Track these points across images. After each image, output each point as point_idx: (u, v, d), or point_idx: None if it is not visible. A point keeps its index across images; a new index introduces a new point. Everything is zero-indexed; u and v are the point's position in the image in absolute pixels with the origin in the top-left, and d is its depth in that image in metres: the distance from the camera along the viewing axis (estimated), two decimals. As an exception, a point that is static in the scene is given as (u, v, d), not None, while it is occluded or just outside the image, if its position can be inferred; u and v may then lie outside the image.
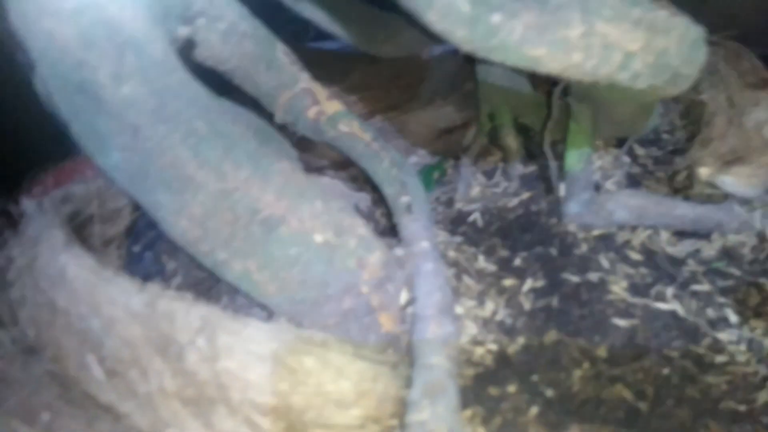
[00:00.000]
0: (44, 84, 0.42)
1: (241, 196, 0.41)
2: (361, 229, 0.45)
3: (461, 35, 0.34)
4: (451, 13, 0.34)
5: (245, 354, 0.38)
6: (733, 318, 0.45)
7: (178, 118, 0.41)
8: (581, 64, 0.35)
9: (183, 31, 0.48)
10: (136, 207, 0.42)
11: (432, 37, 0.38)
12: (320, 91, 0.55)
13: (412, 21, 0.37)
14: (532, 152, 0.61)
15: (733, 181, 0.50)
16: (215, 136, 0.41)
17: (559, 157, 0.56)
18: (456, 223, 0.56)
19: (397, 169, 0.53)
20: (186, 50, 0.49)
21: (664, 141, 0.62)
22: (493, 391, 0.41)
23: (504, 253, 0.52)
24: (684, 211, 0.50)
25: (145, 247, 0.53)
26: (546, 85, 0.60)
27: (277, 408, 0.37)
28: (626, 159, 0.59)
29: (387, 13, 0.58)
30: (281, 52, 0.54)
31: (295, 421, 0.37)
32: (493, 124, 0.63)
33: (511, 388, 0.41)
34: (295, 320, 0.44)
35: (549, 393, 0.41)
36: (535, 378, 0.42)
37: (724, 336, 0.44)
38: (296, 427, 0.37)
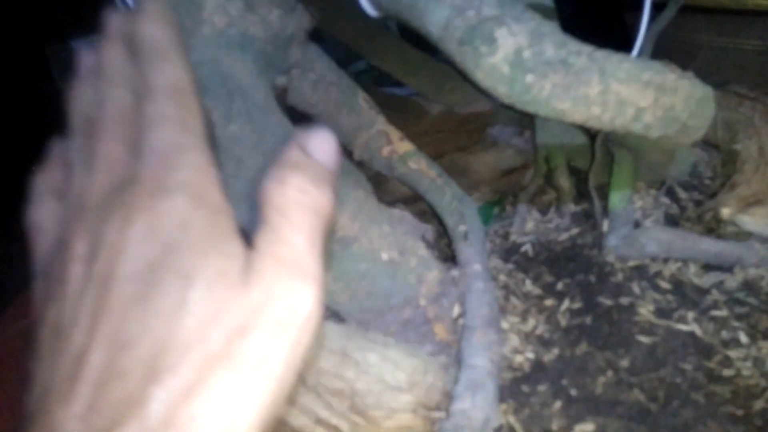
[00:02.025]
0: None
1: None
2: (422, 250, 0.54)
3: (502, 91, 0.43)
4: (494, 74, 0.43)
5: (321, 348, 0.47)
6: (744, 339, 0.51)
7: (273, 151, 0.50)
8: (600, 117, 0.43)
9: (280, 81, 0.57)
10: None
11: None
12: (394, 132, 0.64)
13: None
14: (583, 193, 0.68)
15: (751, 220, 0.56)
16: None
17: (605, 197, 0.64)
18: (510, 252, 0.64)
19: (457, 202, 0.61)
20: (282, 95, 0.59)
21: (705, 185, 0.68)
22: (525, 389, 0.48)
23: (549, 278, 0.59)
24: (708, 246, 0.56)
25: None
26: (594, 132, 0.67)
27: (343, 391, 0.46)
28: (665, 200, 0.65)
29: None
30: (361, 99, 0.64)
31: (359, 402, 0.46)
32: (549, 166, 0.70)
33: (541, 388, 0.48)
34: (363, 325, 0.52)
35: (573, 393, 0.48)
36: (563, 382, 0.49)
37: (734, 354, 0.50)
38: (358, 407, 0.45)
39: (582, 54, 0.43)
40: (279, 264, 0.25)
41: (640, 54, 0.60)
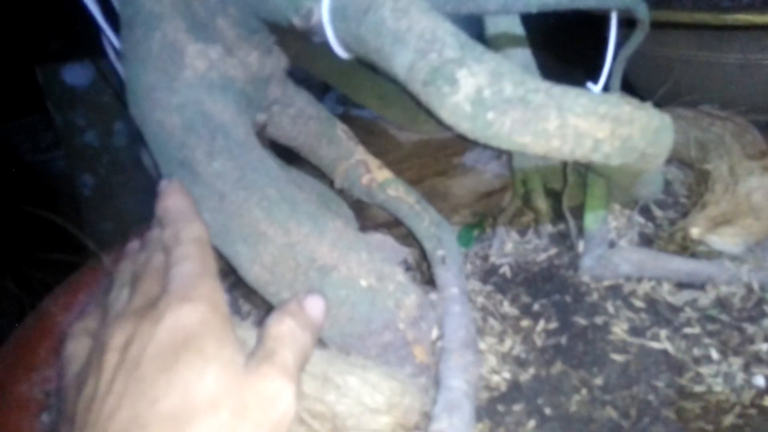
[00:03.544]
0: (154, 160, 0.54)
1: (302, 247, 0.51)
2: (400, 276, 0.55)
3: (466, 127, 0.45)
4: (457, 112, 0.45)
5: (302, 373, 0.49)
6: (715, 355, 0.52)
7: (254, 186, 0.52)
8: (560, 149, 0.45)
9: (261, 118, 0.59)
10: (219, 257, 0.52)
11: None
12: (372, 161, 0.66)
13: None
14: (560, 214, 0.70)
15: (720, 240, 0.58)
16: (283, 200, 0.52)
17: (581, 218, 0.65)
18: (488, 274, 0.65)
19: (435, 227, 0.63)
20: (262, 131, 0.61)
21: (680, 204, 0.70)
22: (501, 408, 0.50)
23: (526, 299, 0.61)
24: (679, 265, 0.58)
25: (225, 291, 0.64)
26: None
27: (324, 414, 0.47)
28: (640, 220, 0.67)
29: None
30: (340, 130, 0.66)
31: (339, 424, 0.47)
32: (526, 189, 0.72)
33: (517, 408, 0.50)
34: (344, 350, 0.53)
35: (548, 411, 0.49)
36: (538, 401, 0.50)
37: (705, 370, 0.51)
38: (339, 429, 0.47)
39: (540, 91, 0.45)
40: (272, 367, 0.34)
41: (609, 77, 0.62)
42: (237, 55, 0.55)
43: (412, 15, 0.50)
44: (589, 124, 0.44)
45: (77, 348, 0.38)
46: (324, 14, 0.52)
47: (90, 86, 1.30)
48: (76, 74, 1.30)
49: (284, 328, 0.36)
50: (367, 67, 0.55)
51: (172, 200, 0.42)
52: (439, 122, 0.50)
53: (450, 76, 0.46)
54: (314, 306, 0.40)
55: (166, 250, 0.38)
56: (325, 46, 0.53)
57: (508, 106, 0.44)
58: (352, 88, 0.68)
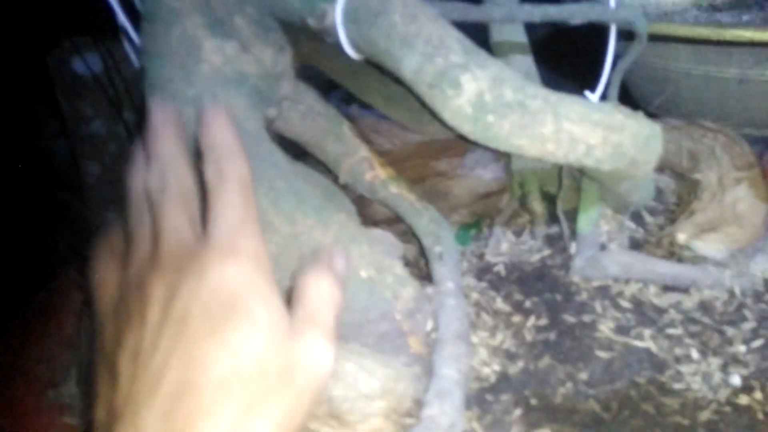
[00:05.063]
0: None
1: (306, 238, 0.54)
2: (399, 269, 0.58)
3: (466, 129, 0.48)
4: (459, 114, 0.48)
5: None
6: (695, 355, 0.55)
7: (263, 177, 0.55)
8: (554, 152, 0.48)
9: (271, 113, 0.62)
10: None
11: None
12: (376, 159, 0.69)
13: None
14: (555, 216, 0.72)
15: (704, 245, 0.61)
16: (290, 192, 0.55)
17: (575, 221, 0.68)
18: (483, 271, 0.68)
19: (434, 224, 0.66)
20: (271, 125, 0.63)
21: (670, 211, 0.72)
22: (489, 398, 0.52)
23: (518, 297, 0.63)
24: (665, 269, 0.60)
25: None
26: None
27: (320, 397, 0.50)
28: (631, 225, 0.69)
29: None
30: (346, 128, 0.69)
31: (335, 408, 0.50)
32: (522, 191, 0.74)
33: (504, 397, 0.52)
34: (342, 338, 0.56)
35: (534, 402, 0.52)
36: (525, 392, 0.53)
37: (685, 369, 0.54)
38: (335, 412, 0.49)
39: (538, 97, 0.48)
40: (316, 330, 0.34)
41: (607, 87, 0.65)
42: (252, 52, 0.58)
43: (421, 21, 0.53)
44: (582, 130, 0.47)
45: (107, 274, 0.36)
46: (337, 16, 0.54)
47: (99, 76, 1.32)
48: (86, 64, 1.32)
49: (323, 290, 0.36)
50: (375, 68, 0.57)
51: (217, 130, 0.38)
52: (442, 123, 0.53)
53: (454, 79, 0.49)
54: (341, 263, 0.39)
55: (209, 187, 0.35)
56: (337, 46, 0.55)
57: (507, 110, 0.47)
58: (360, 88, 0.71)
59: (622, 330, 0.58)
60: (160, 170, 0.36)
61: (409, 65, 0.50)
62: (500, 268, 0.68)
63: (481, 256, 0.70)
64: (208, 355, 0.30)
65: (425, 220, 0.66)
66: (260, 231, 0.34)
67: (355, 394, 0.50)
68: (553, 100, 0.48)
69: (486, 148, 0.52)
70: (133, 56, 0.68)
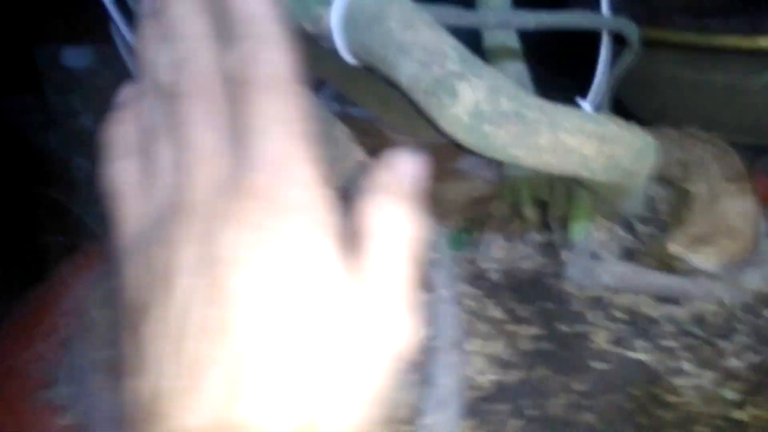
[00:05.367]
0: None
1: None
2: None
3: (462, 138, 0.48)
4: (455, 123, 0.47)
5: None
6: (689, 368, 0.55)
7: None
8: (550, 162, 0.48)
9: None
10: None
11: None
12: (369, 162, 0.68)
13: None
14: (547, 223, 0.72)
15: (695, 258, 0.61)
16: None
17: (566, 228, 0.68)
18: (477, 278, 0.68)
19: (427, 230, 0.65)
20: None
21: (662, 221, 0.72)
22: (485, 407, 0.52)
23: (512, 304, 0.63)
24: (657, 280, 0.61)
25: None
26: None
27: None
28: (623, 234, 0.69)
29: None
30: (339, 130, 0.68)
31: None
32: (515, 197, 0.74)
33: (501, 407, 0.52)
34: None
35: (530, 413, 0.52)
36: (521, 402, 0.53)
37: (678, 381, 0.54)
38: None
39: (534, 107, 0.48)
40: (395, 299, 0.26)
41: (597, 94, 0.64)
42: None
43: (418, 28, 0.52)
44: (577, 140, 0.47)
45: (126, 178, 0.27)
46: (333, 22, 0.54)
47: (88, 70, 1.31)
48: (76, 57, 1.31)
49: (398, 225, 0.27)
50: (370, 72, 0.57)
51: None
52: (438, 131, 0.53)
53: (450, 88, 0.49)
54: (413, 172, 0.29)
55: (224, 67, 0.26)
56: (332, 50, 0.55)
57: (503, 120, 0.47)
58: (356, 91, 0.71)
59: (615, 341, 0.58)
60: (180, 56, 0.26)
61: (405, 72, 0.50)
62: (493, 275, 0.68)
63: (473, 263, 0.70)
64: (252, 355, 0.23)
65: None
66: (311, 161, 0.25)
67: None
68: (549, 110, 0.48)
69: (481, 156, 0.52)
70: (125, 53, 0.67)
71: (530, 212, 0.73)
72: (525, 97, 0.50)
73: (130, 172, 0.27)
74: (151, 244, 0.25)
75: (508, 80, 0.52)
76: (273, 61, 0.26)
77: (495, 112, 0.48)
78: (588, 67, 0.67)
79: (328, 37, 0.55)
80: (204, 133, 0.25)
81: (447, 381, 0.52)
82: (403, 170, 0.29)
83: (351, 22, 0.53)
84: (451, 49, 0.52)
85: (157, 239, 0.25)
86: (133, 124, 0.28)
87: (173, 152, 0.26)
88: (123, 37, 0.65)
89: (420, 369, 0.55)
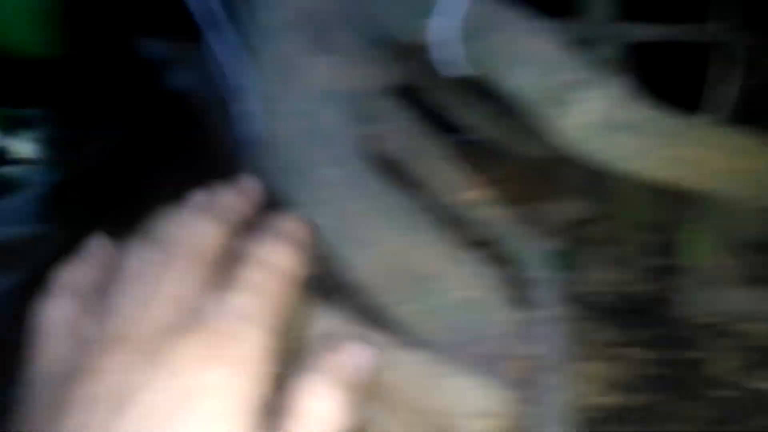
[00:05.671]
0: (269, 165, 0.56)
1: (402, 258, 0.53)
2: (493, 292, 0.56)
3: (577, 150, 0.45)
4: (567, 135, 0.45)
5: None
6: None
7: (352, 195, 0.54)
8: (670, 177, 0.45)
9: (368, 129, 0.61)
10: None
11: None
12: (469, 179, 0.67)
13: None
14: (660, 246, 0.69)
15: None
16: (396, 209, 0.54)
17: (684, 253, 0.65)
18: (584, 300, 0.65)
19: (529, 249, 0.63)
20: (367, 143, 0.63)
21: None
22: (606, 429, 0.50)
23: (623, 329, 0.60)
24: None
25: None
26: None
27: (427, 412, 0.49)
28: (748, 257, 0.66)
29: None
30: (438, 147, 0.67)
31: (434, 421, 0.48)
32: (626, 218, 0.71)
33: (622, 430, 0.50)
34: (439, 356, 0.55)
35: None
36: (642, 427, 0.50)
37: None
38: (440, 427, 0.48)
39: (653, 119, 0.45)
40: None
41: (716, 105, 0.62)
42: (353, 69, 0.57)
43: (528, 37, 0.51)
44: (704, 153, 0.44)
45: (58, 315, 0.28)
46: (433, 32, 0.53)
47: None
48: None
49: (324, 411, 0.27)
50: (472, 86, 0.55)
51: (296, 224, 0.33)
52: (548, 144, 0.51)
53: (563, 98, 0.47)
54: (363, 361, 0.30)
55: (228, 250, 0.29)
56: (435, 63, 0.54)
57: (622, 131, 0.45)
58: (459, 107, 0.70)
59: (734, 370, 0.54)
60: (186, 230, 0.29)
61: (515, 83, 0.48)
62: (602, 298, 0.65)
63: (580, 284, 0.68)
64: None
65: (520, 244, 0.63)
66: (268, 333, 0.26)
67: (458, 411, 0.49)
68: (671, 122, 0.46)
69: (595, 170, 0.50)
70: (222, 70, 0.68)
71: (642, 233, 0.70)
72: (644, 108, 0.48)
73: (63, 310, 0.28)
74: (67, 376, 0.25)
75: (624, 90, 0.49)
76: (291, 261, 0.30)
77: (610, 123, 0.46)
78: (691, 80, 0.64)
79: (429, 49, 0.54)
80: (181, 287, 0.26)
81: (554, 401, 0.50)
82: (350, 358, 0.29)
83: (453, 32, 0.53)
84: (564, 58, 0.50)
85: (74, 371, 0.25)
86: (88, 270, 0.30)
87: (136, 291, 0.26)
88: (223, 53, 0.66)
89: (523, 386, 0.53)
